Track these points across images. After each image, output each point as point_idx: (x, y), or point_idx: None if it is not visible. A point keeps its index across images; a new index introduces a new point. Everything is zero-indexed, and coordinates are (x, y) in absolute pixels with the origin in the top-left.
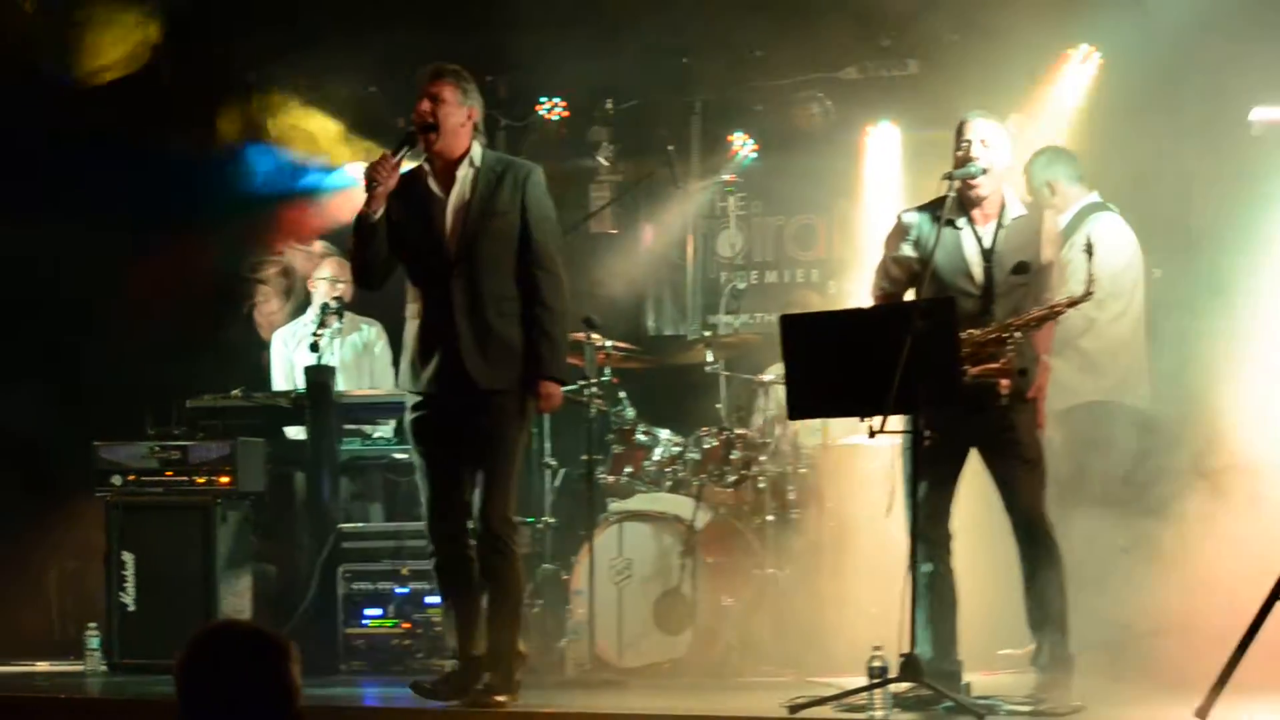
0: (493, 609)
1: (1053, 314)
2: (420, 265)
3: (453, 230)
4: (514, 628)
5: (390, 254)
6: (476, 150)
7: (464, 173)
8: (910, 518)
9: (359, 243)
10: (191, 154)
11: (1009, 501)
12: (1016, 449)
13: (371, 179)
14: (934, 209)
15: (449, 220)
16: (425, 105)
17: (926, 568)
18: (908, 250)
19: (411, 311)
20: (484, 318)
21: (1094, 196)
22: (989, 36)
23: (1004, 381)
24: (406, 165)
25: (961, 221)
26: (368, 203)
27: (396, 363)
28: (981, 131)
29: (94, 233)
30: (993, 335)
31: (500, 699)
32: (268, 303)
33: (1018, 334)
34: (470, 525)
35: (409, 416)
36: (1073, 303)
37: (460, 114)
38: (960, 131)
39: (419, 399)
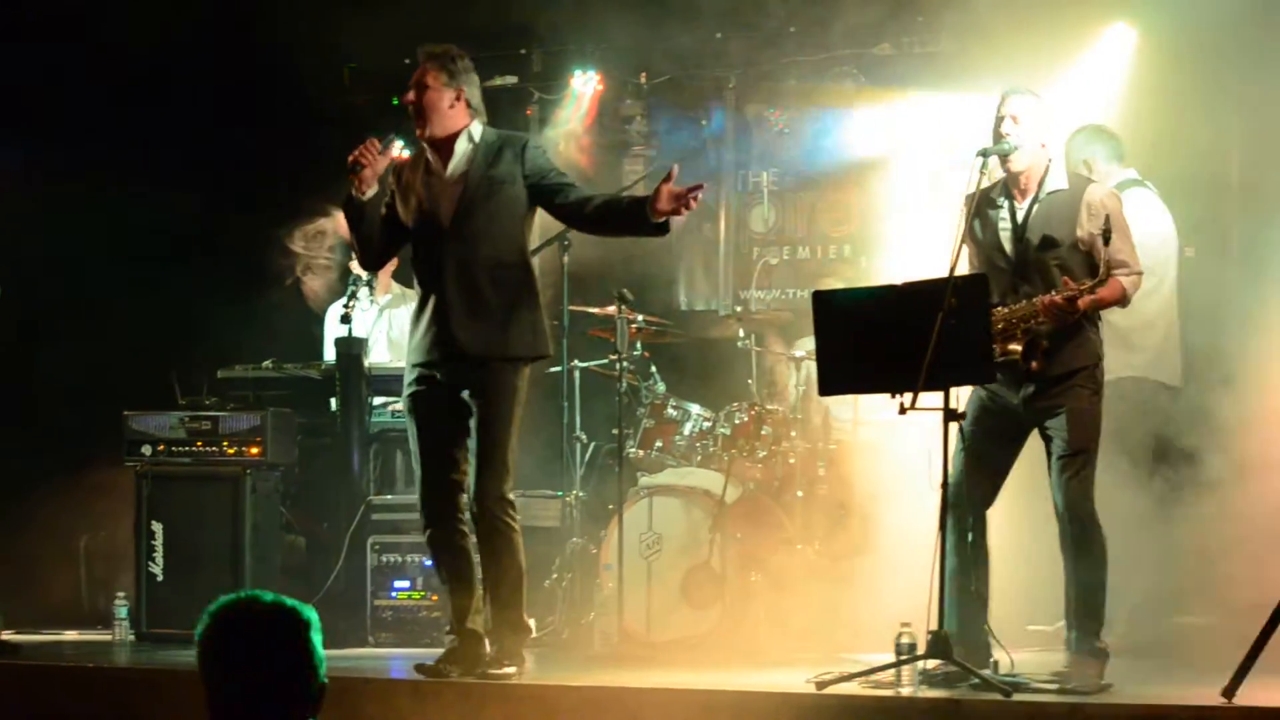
0: (495, 586)
1: (1075, 293)
2: (418, 239)
3: (448, 202)
4: (518, 603)
5: (391, 233)
6: (476, 126)
7: (462, 147)
8: (942, 495)
9: (350, 224)
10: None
11: (1055, 488)
12: (1066, 436)
13: (356, 162)
14: (990, 190)
15: (445, 192)
16: (411, 95)
17: (960, 543)
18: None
19: (417, 286)
20: (476, 285)
21: (1130, 173)
22: (1023, 12)
23: (1033, 364)
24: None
25: (1002, 199)
26: (355, 186)
27: None
28: (1015, 108)
29: (137, 196)
30: (1024, 313)
31: (507, 670)
32: (318, 276)
33: (1041, 322)
34: (464, 500)
35: (405, 391)
36: (1088, 287)
37: (448, 96)
38: (997, 108)
39: (415, 374)
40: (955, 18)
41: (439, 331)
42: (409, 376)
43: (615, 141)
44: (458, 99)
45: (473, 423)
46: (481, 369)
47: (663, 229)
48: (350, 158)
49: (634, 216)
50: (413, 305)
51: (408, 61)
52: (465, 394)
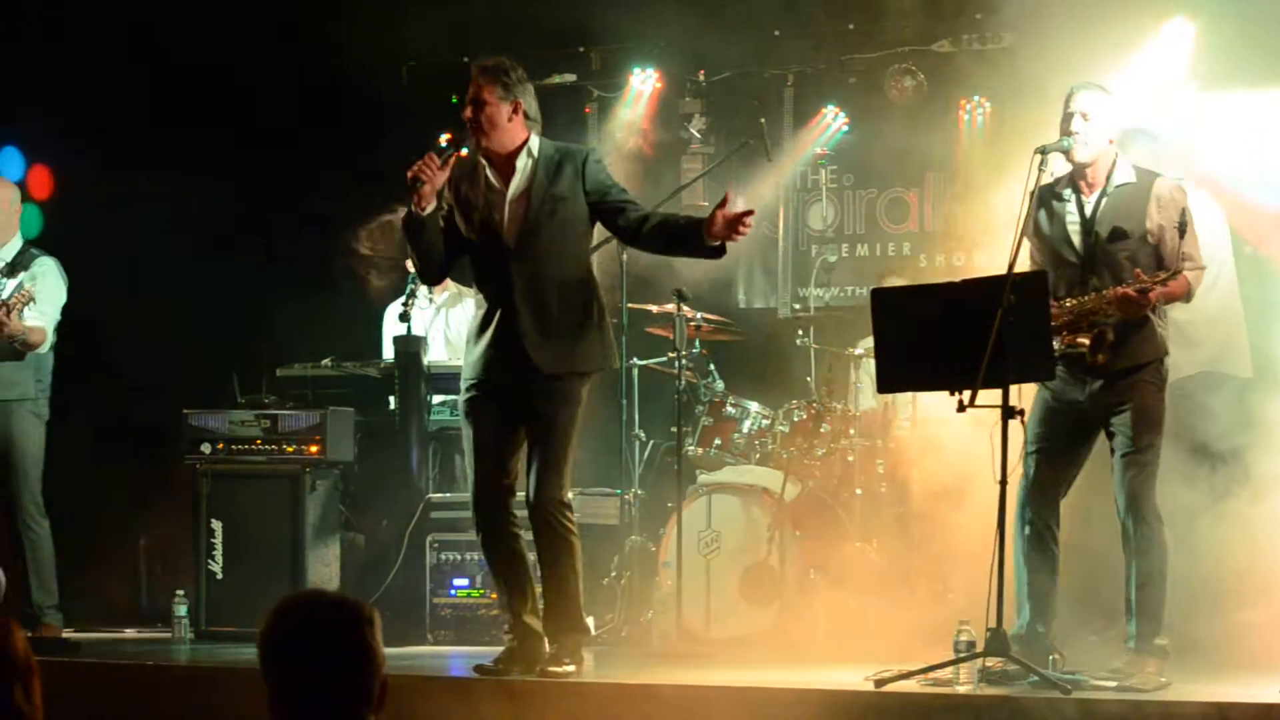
0: (554, 587)
1: (1147, 285)
2: (481, 255)
3: (512, 219)
4: (576, 602)
5: (451, 247)
6: (534, 140)
7: (523, 163)
8: (1000, 492)
9: (410, 239)
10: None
11: (1118, 485)
12: (1131, 433)
13: (416, 178)
14: (1054, 184)
15: (508, 210)
16: (469, 111)
17: (1029, 541)
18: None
19: (479, 301)
20: (545, 303)
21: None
22: (1082, 8)
23: (1099, 357)
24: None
25: (1068, 193)
26: (415, 200)
27: None
28: (1084, 104)
29: (199, 194)
30: (1090, 306)
31: (566, 669)
32: (383, 275)
33: (1110, 315)
34: (515, 501)
35: (463, 396)
36: (1161, 279)
37: (505, 110)
38: (1065, 104)
39: (475, 381)
40: (1014, 14)
41: (509, 349)
42: (467, 383)
43: (674, 139)
44: (515, 111)
45: (534, 429)
46: (551, 382)
47: (718, 252)
48: (410, 173)
49: (689, 238)
50: (469, 303)
51: (466, 59)
52: (529, 404)
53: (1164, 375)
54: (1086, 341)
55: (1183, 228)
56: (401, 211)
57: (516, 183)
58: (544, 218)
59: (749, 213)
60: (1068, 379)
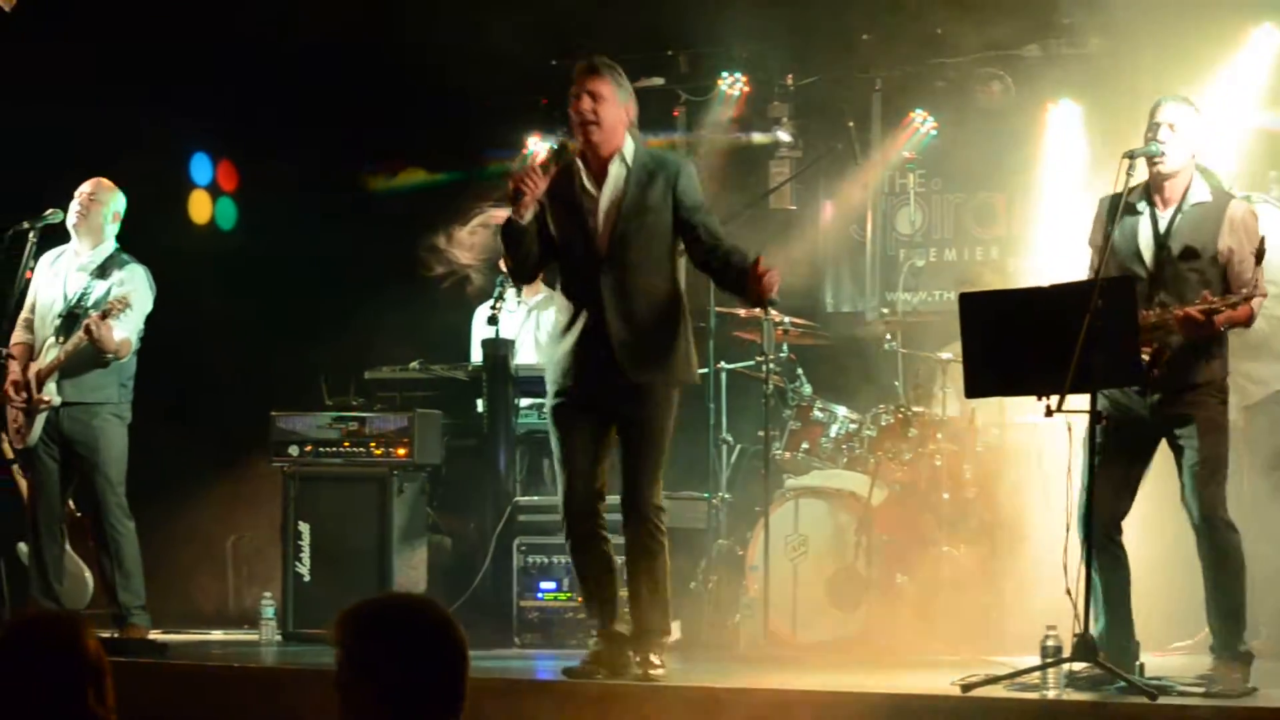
0: (647, 590)
1: (1214, 308)
2: (573, 261)
3: (605, 228)
4: (665, 607)
5: (543, 249)
6: (629, 147)
7: (616, 170)
8: (1086, 498)
9: (508, 247)
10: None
11: (1189, 497)
12: (1198, 445)
13: (518, 189)
14: (1130, 194)
15: (601, 218)
16: (586, 103)
17: (1098, 549)
18: (1099, 236)
19: (562, 305)
20: (633, 311)
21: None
22: (1170, 14)
23: (1154, 371)
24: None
25: (1142, 205)
26: (515, 210)
27: None
28: (1170, 115)
29: (288, 196)
30: (1153, 323)
31: (654, 672)
32: (482, 275)
33: (1171, 333)
34: (604, 506)
35: (551, 402)
36: (1230, 303)
37: (619, 111)
38: (1151, 114)
39: (562, 387)
40: (1101, 20)
41: (598, 356)
42: (555, 388)
43: (762, 143)
44: (625, 115)
45: (628, 435)
46: (642, 391)
47: (762, 304)
48: (512, 184)
49: (739, 286)
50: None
51: (554, 63)
52: (621, 411)
53: (1226, 390)
54: (1146, 356)
55: (1260, 254)
56: (491, 212)
57: (609, 189)
58: (634, 228)
59: (769, 271)
60: (1128, 391)
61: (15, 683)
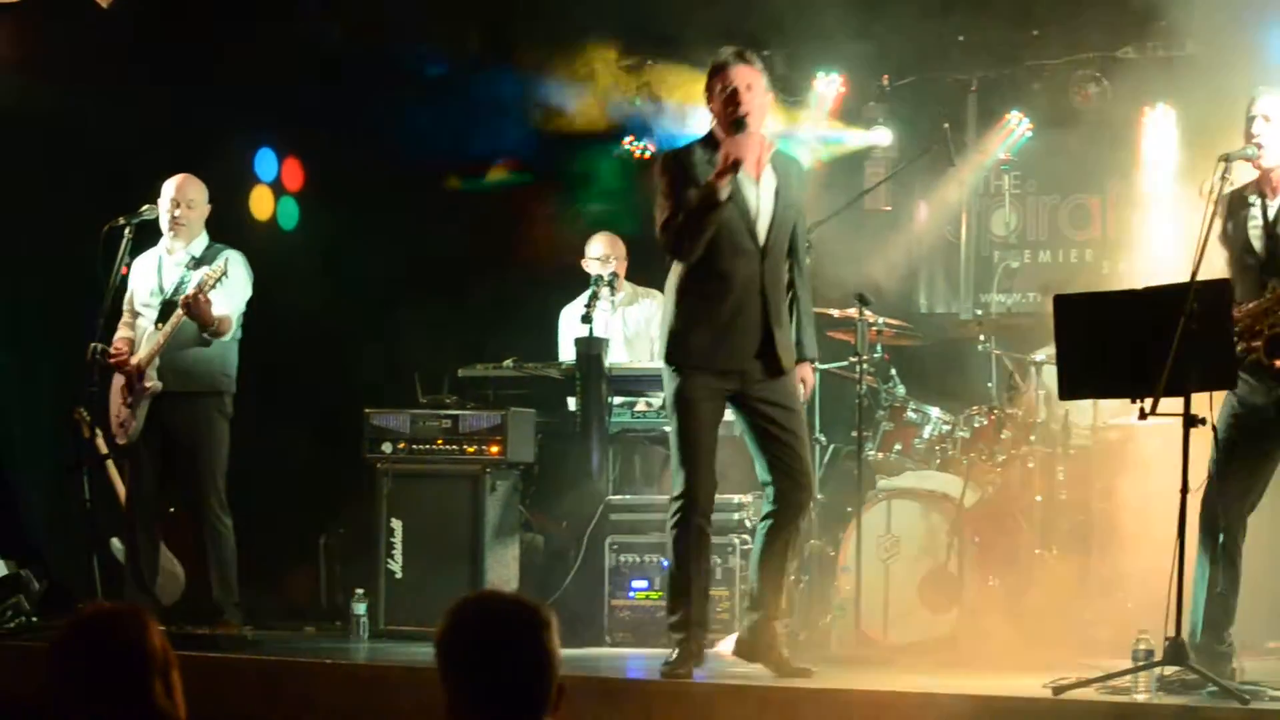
0: (781, 580)
1: None
2: (732, 246)
3: (765, 217)
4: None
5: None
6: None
7: (769, 159)
8: (1181, 501)
9: (706, 221)
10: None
11: None
12: None
13: (737, 161)
14: (1243, 190)
15: (761, 207)
16: (744, 95)
17: (1212, 549)
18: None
19: (702, 291)
20: (779, 301)
21: None
22: (1267, 15)
23: (1276, 361)
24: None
25: (1254, 198)
26: (719, 185)
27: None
28: (1265, 107)
29: (383, 197)
30: (1264, 307)
31: (808, 669)
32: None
33: None
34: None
35: (693, 391)
36: None
37: (768, 101)
38: (1248, 108)
39: (706, 375)
40: (1198, 21)
41: (756, 345)
42: (699, 375)
43: (857, 143)
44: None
45: (780, 421)
46: (781, 378)
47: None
48: (733, 157)
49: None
50: (645, 303)
51: (649, 62)
52: (761, 397)
53: None
54: (1260, 345)
55: None
56: None
57: (767, 179)
58: (783, 219)
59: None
60: (1254, 385)
61: (82, 676)
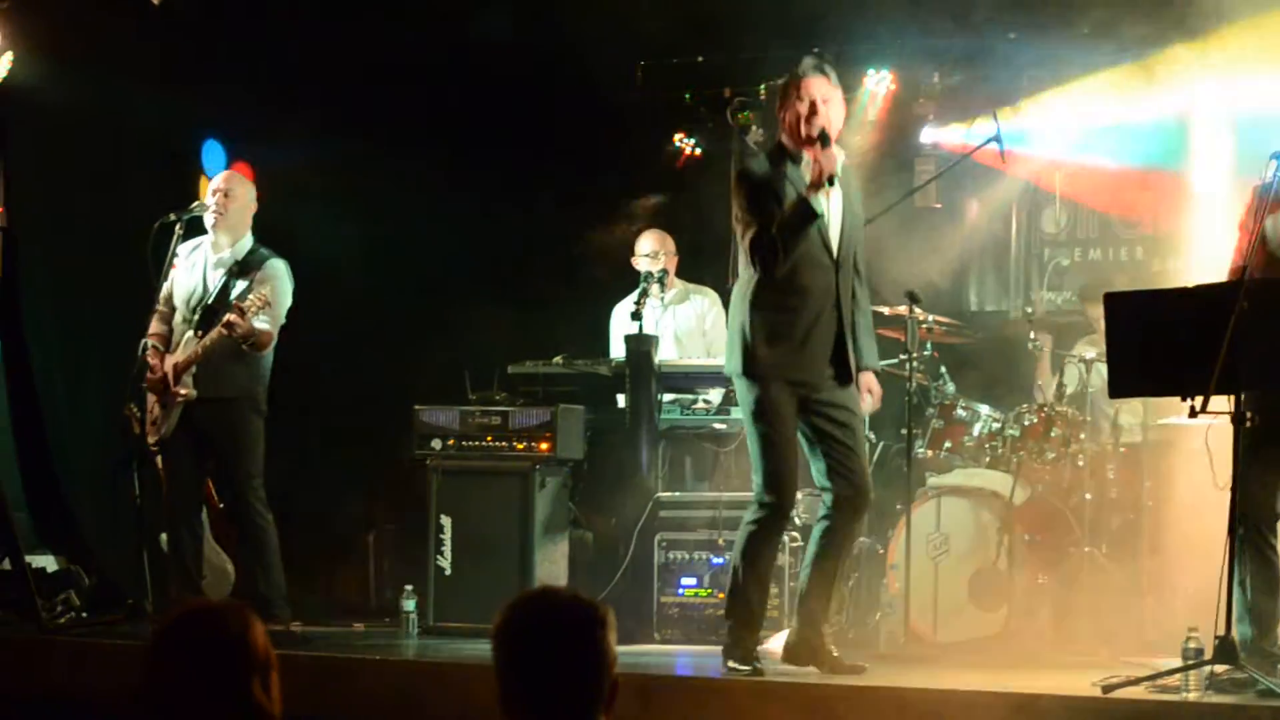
0: (831, 582)
1: None
2: (810, 259)
3: (834, 228)
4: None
5: None
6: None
7: (842, 171)
8: (1232, 499)
9: (800, 235)
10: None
11: None
12: None
13: (832, 176)
14: None
15: (833, 218)
16: (822, 110)
17: (1257, 548)
18: (1250, 221)
19: (781, 304)
20: (852, 311)
21: None
22: None
23: None
24: None
25: None
26: (819, 195)
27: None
28: None
29: (433, 194)
30: None
31: (860, 666)
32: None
33: None
34: None
35: (776, 394)
36: None
37: (843, 112)
38: None
39: (789, 381)
40: (1244, 18)
41: (834, 353)
42: (777, 384)
43: (908, 141)
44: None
45: (848, 427)
46: (848, 386)
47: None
48: (827, 171)
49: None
50: (696, 300)
51: (701, 59)
52: (833, 403)
53: None
54: None
55: None
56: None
57: (841, 190)
58: (854, 229)
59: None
60: None
61: (182, 671)
